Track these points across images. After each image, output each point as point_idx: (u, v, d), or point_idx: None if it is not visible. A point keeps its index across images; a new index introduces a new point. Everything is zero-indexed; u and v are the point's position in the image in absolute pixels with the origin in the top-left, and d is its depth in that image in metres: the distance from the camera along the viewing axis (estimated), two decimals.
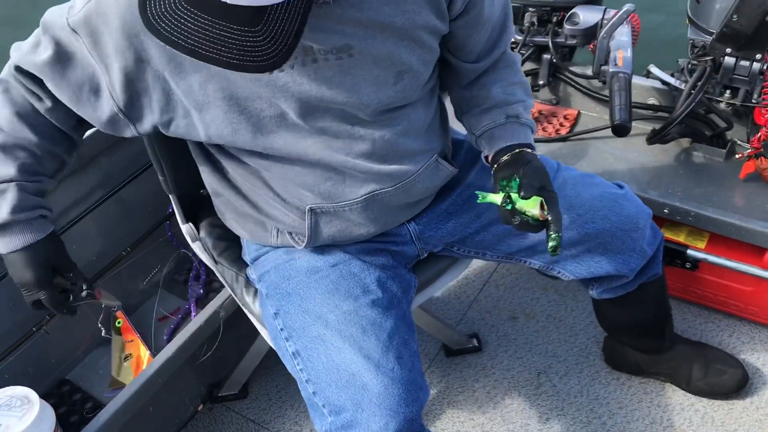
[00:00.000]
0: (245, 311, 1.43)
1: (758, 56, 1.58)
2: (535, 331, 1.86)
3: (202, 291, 1.77)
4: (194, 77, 1.04)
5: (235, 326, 1.67)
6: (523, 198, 1.08)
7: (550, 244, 1.06)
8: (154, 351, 1.65)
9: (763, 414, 1.60)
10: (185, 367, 1.59)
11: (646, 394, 1.68)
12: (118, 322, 1.69)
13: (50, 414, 1.40)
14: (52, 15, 1.06)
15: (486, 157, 1.24)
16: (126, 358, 1.64)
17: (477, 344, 1.82)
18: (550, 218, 1.08)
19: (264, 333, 1.38)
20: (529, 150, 1.19)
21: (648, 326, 1.59)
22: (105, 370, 1.67)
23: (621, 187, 1.39)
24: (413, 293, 1.34)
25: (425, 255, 1.39)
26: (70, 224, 1.61)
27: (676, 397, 1.66)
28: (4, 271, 1.48)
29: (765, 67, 1.61)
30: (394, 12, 1.03)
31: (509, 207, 1.09)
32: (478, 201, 1.14)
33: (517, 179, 1.11)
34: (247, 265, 1.39)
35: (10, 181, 1.12)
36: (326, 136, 1.12)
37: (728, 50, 1.59)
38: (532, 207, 1.08)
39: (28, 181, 1.14)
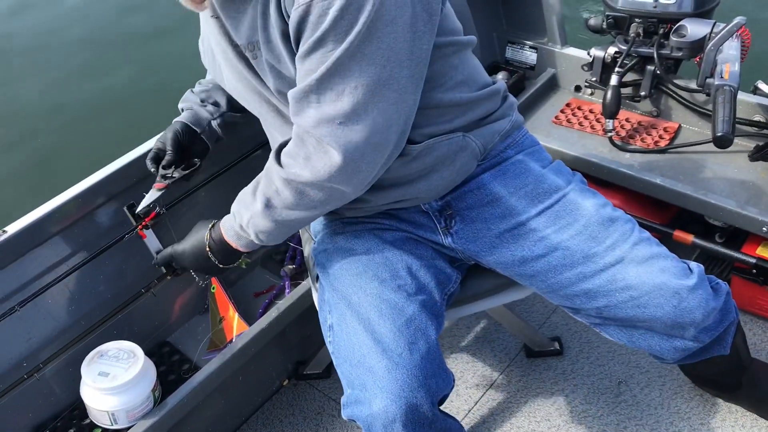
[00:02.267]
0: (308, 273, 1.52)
1: None
2: None
3: (295, 268, 1.85)
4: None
5: None
6: None
7: None
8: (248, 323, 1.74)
9: None
10: (275, 341, 1.67)
11: (731, 413, 1.64)
12: (213, 288, 1.80)
13: (152, 370, 1.52)
14: None
15: None
16: (220, 320, 1.74)
17: (558, 348, 1.83)
18: None
19: (315, 298, 1.47)
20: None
21: (718, 380, 1.56)
22: (203, 336, 1.77)
23: (691, 271, 1.26)
24: (453, 288, 1.36)
25: (471, 262, 1.41)
26: (185, 194, 1.72)
27: (762, 421, 1.62)
28: (119, 235, 1.62)
29: None
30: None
31: None
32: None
33: None
34: None
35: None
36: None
37: None
38: None
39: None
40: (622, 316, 1.26)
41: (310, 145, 1.08)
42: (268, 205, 1.16)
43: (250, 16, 1.13)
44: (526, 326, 1.81)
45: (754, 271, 1.72)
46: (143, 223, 1.57)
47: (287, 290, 1.79)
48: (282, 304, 1.63)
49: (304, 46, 1.05)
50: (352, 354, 1.20)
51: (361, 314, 1.22)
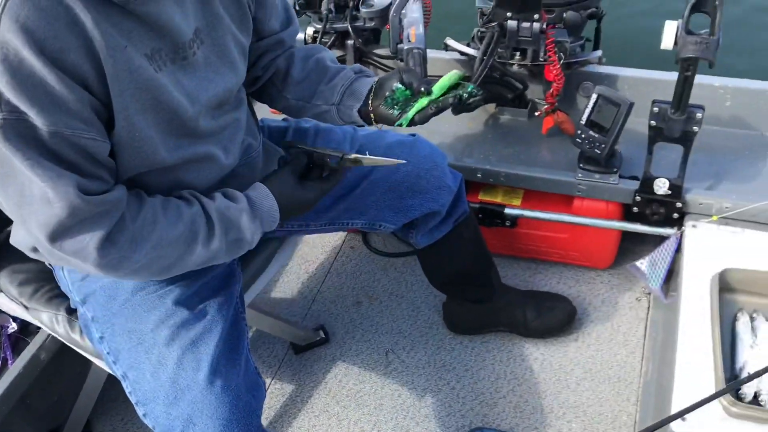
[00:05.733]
0: (76, 349, 1.35)
1: (536, 16, 1.66)
2: (380, 311, 1.88)
3: (16, 330, 1.64)
4: None
5: (63, 365, 1.57)
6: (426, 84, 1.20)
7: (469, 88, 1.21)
8: None
9: (594, 350, 1.71)
10: (13, 417, 1.48)
11: (489, 351, 1.74)
12: None
13: None
14: None
15: (360, 111, 1.27)
16: None
17: (324, 336, 1.82)
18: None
19: (100, 363, 1.32)
20: None
21: (472, 272, 1.66)
22: None
23: (413, 135, 1.49)
24: (239, 287, 1.31)
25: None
26: None
27: (516, 349, 1.73)
28: None
29: (545, 26, 1.70)
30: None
31: (431, 98, 1.19)
32: (404, 125, 1.20)
33: (397, 84, 1.22)
34: (65, 300, 1.32)
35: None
36: None
37: (508, 14, 1.67)
38: (449, 80, 1.20)
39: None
40: (386, 187, 1.42)
41: None
42: None
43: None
44: (287, 324, 1.77)
45: (480, 215, 1.82)
46: None
47: (10, 360, 1.58)
48: (7, 377, 1.44)
49: None
50: (165, 393, 1.11)
51: (170, 349, 1.13)
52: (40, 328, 1.54)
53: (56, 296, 1.33)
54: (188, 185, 1.12)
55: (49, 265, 1.30)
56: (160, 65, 1.00)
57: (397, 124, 1.21)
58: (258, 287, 1.45)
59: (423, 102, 1.20)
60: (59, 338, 1.35)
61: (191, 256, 1.07)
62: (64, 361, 1.54)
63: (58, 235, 0.94)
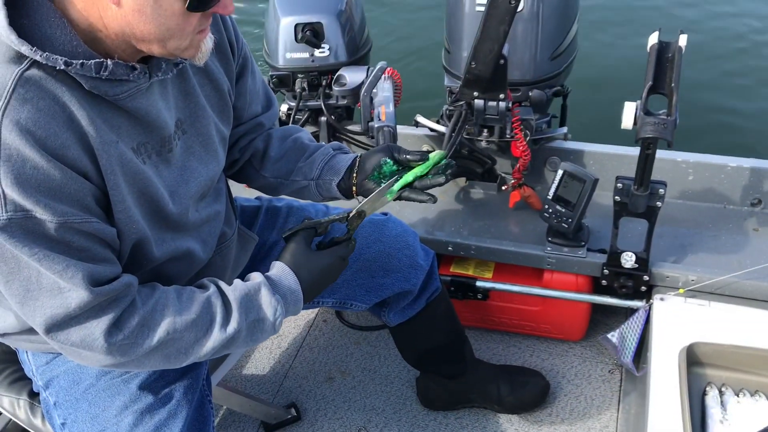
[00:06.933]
0: None
1: (501, 96, 1.71)
2: (353, 387, 1.86)
3: None
4: None
5: None
6: (411, 160, 1.24)
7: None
8: None
9: (567, 425, 1.70)
10: None
11: (463, 428, 1.72)
12: None
13: None
14: None
15: (339, 187, 1.28)
16: None
17: (296, 413, 1.79)
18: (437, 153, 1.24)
19: None
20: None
21: (446, 348, 1.65)
22: None
23: (385, 214, 1.52)
24: (205, 369, 1.30)
25: None
26: None
27: (490, 425, 1.72)
28: None
29: (510, 105, 1.75)
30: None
31: (417, 174, 1.22)
32: (390, 198, 1.22)
33: (386, 159, 1.25)
34: (27, 384, 1.29)
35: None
36: None
37: (475, 93, 1.72)
38: (434, 157, 1.23)
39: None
40: (358, 267, 1.44)
41: None
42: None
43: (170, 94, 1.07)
44: (257, 403, 1.74)
45: (452, 288, 1.83)
46: None
47: None
48: None
49: None
50: None
51: None
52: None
53: (19, 379, 1.31)
54: (168, 280, 1.12)
55: (15, 347, 1.28)
56: (145, 158, 1.02)
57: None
58: (226, 368, 1.43)
59: (408, 177, 1.23)
60: (20, 424, 1.32)
61: (208, 340, 1.05)
62: None
63: (64, 325, 0.96)
